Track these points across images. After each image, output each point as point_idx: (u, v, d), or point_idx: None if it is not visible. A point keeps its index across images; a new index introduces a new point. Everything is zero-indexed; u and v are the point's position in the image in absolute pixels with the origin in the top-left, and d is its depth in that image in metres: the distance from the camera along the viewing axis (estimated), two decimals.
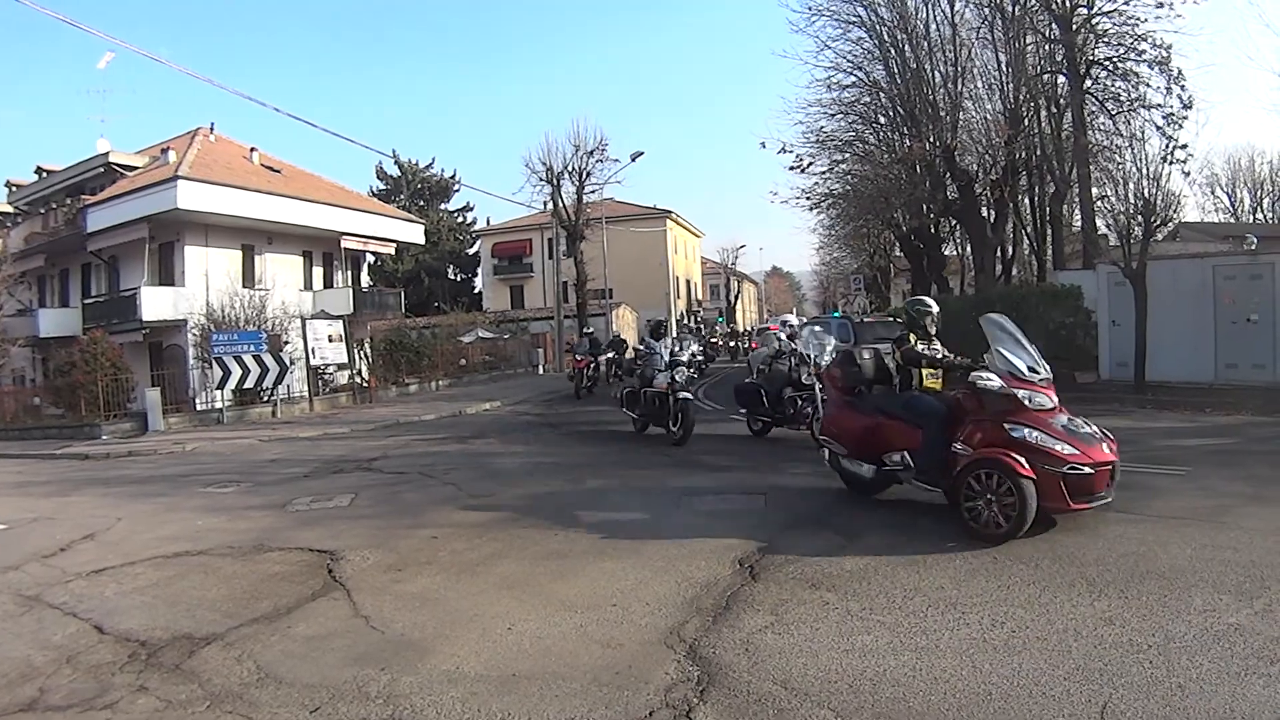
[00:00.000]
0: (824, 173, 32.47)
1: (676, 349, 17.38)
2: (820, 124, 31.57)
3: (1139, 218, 19.94)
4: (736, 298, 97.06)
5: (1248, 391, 17.70)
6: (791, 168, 30.67)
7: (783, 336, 16.81)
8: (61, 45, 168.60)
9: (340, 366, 31.63)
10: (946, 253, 40.27)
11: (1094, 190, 25.51)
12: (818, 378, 13.85)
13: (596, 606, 6.54)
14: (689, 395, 16.19)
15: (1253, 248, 22.07)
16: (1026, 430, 7.82)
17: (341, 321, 31.82)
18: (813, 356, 14.44)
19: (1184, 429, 15.23)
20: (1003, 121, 26.55)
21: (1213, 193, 60.51)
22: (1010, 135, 26.14)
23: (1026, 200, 32.20)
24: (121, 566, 8.62)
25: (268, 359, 26.53)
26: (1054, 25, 26.40)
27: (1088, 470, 7.63)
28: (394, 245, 46.56)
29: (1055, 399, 8.10)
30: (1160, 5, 24.02)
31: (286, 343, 29.23)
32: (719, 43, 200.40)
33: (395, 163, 75.57)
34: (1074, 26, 25.80)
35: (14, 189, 43.06)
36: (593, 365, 30.20)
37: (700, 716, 4.65)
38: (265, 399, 27.45)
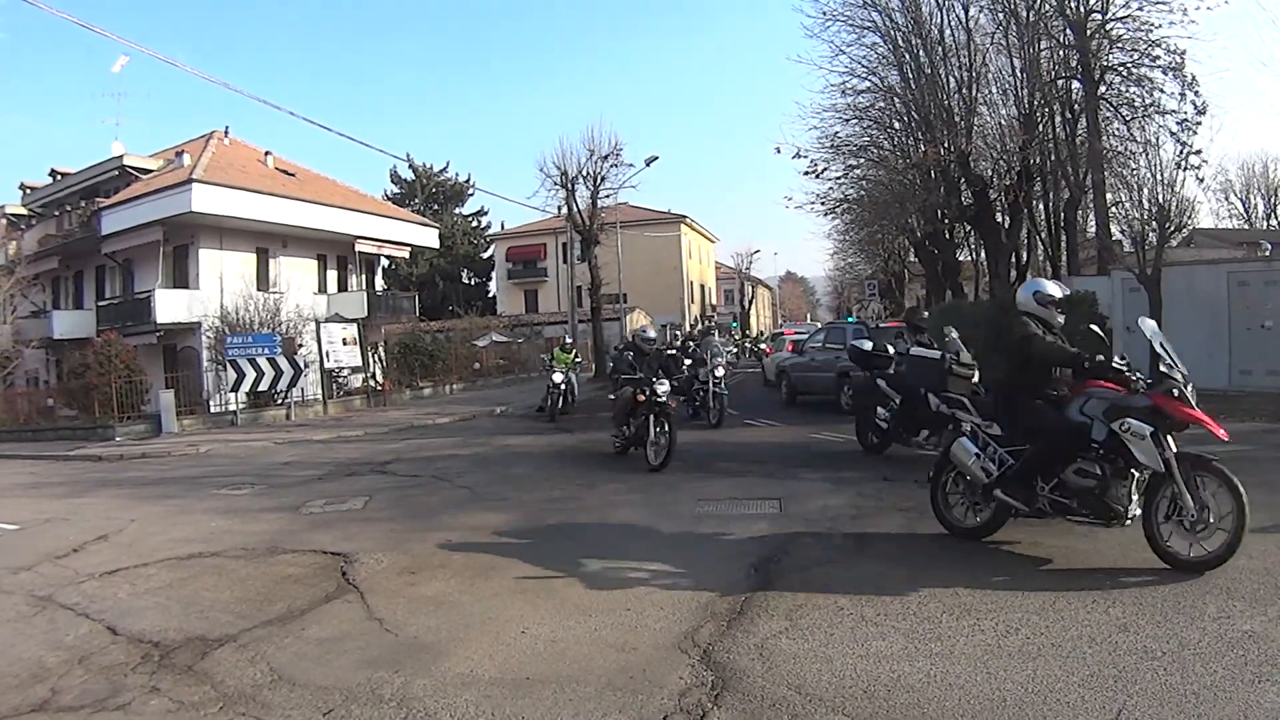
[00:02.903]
0: (838, 178, 32.36)
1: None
2: (834, 129, 31.46)
3: (1153, 224, 19.91)
4: (751, 303, 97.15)
5: (1262, 398, 17.61)
6: (806, 173, 30.63)
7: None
8: (76, 48, 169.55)
9: (354, 370, 31.78)
10: (961, 258, 40.18)
11: (1108, 196, 25.43)
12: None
13: (610, 610, 6.54)
14: None
15: (1267, 254, 22.01)
16: None
17: (356, 325, 32.01)
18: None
19: (1198, 436, 15.13)
20: (1017, 127, 26.47)
21: (1227, 199, 60.42)
22: (1025, 140, 26.05)
23: (1041, 206, 32.07)
24: (135, 568, 8.66)
25: (282, 362, 26.63)
26: (1068, 31, 26.34)
27: None
28: (408, 249, 46.76)
29: None
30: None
31: (301, 346, 29.34)
32: (733, 48, 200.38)
33: (410, 167, 75.99)
34: (1088, 32, 25.76)
35: (28, 191, 43.24)
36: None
37: None
38: (279, 402, 27.56)
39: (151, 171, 36.96)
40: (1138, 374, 7.73)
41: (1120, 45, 26.10)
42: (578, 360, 26.44)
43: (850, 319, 32.27)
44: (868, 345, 15.11)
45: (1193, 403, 7.45)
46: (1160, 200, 19.84)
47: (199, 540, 9.87)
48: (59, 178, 41.52)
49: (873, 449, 13.96)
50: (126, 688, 5.46)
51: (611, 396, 15.53)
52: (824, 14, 29.93)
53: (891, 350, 14.78)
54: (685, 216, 75.45)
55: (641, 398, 13.72)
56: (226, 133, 39.86)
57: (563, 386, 22.79)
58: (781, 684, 5.02)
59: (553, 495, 11.86)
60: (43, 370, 38.52)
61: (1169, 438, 7.32)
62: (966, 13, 27.70)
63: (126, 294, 35.63)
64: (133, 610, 7.21)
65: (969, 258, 41.67)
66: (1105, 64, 26.30)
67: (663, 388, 13.68)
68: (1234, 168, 59.57)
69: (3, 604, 7.66)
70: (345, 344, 30.31)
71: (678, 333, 44.04)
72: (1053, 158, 28.26)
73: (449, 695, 5.10)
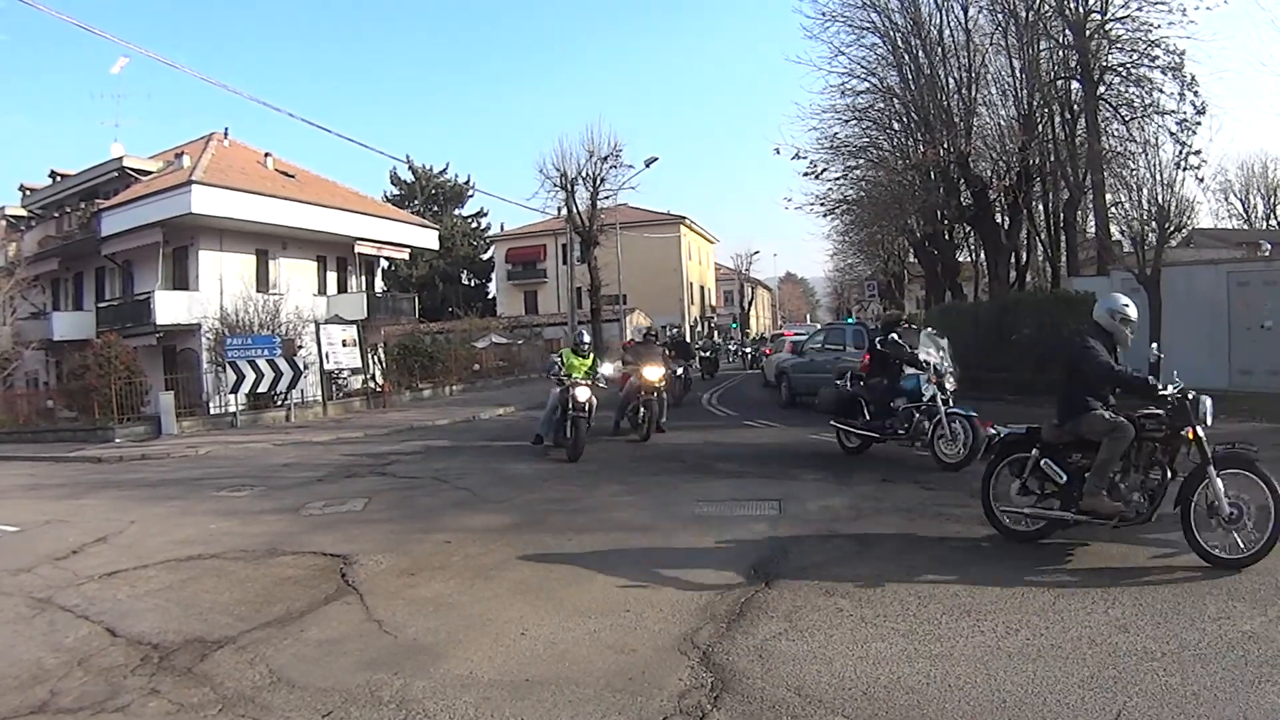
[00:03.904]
0: (838, 179, 32.45)
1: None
2: (834, 130, 31.53)
3: (1153, 224, 19.91)
4: (750, 304, 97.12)
5: (1262, 398, 17.58)
6: (805, 174, 30.77)
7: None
8: (76, 49, 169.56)
9: (354, 371, 31.72)
10: (960, 259, 40.23)
11: (1108, 196, 25.44)
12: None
13: (610, 612, 6.55)
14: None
15: (1267, 253, 22.01)
16: None
17: (355, 326, 31.93)
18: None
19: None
20: (1017, 127, 26.50)
21: (1226, 199, 60.47)
22: (1024, 141, 26.08)
23: (1040, 206, 32.12)
24: (134, 569, 8.65)
25: (281, 363, 26.58)
26: (1067, 31, 26.37)
27: None
28: (408, 250, 46.80)
29: None
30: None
31: (300, 347, 29.29)
32: (733, 49, 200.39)
33: (409, 168, 76.07)
34: (1087, 32, 25.79)
35: (28, 193, 43.27)
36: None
37: None
38: (279, 403, 27.52)
39: (151, 173, 37.02)
40: None
41: (1119, 45, 26.13)
42: (600, 372, 17.62)
43: (850, 320, 32.23)
44: None
45: None
46: (1160, 200, 19.84)
47: (198, 542, 9.86)
48: (59, 179, 41.57)
49: None
50: (126, 689, 5.46)
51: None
52: (823, 15, 30.08)
53: None
54: (685, 217, 75.52)
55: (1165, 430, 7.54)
56: (226, 134, 39.93)
57: (587, 408, 15.65)
58: (781, 685, 5.02)
59: (552, 496, 11.85)
60: (42, 372, 38.56)
61: None
62: (966, 13, 27.76)
63: (126, 295, 35.68)
64: (132, 612, 7.20)
65: (968, 258, 41.73)
66: (1104, 64, 26.34)
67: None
68: (1233, 168, 59.66)
69: (2, 605, 7.65)
70: (345, 345, 30.25)
71: (672, 331, 43.85)
72: (1052, 158, 28.29)
73: (448, 697, 5.11)
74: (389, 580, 7.79)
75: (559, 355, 17.44)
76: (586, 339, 17.68)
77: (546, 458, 15.43)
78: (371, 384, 32.50)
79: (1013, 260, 31.15)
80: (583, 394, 15.52)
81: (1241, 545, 6.89)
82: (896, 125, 31.50)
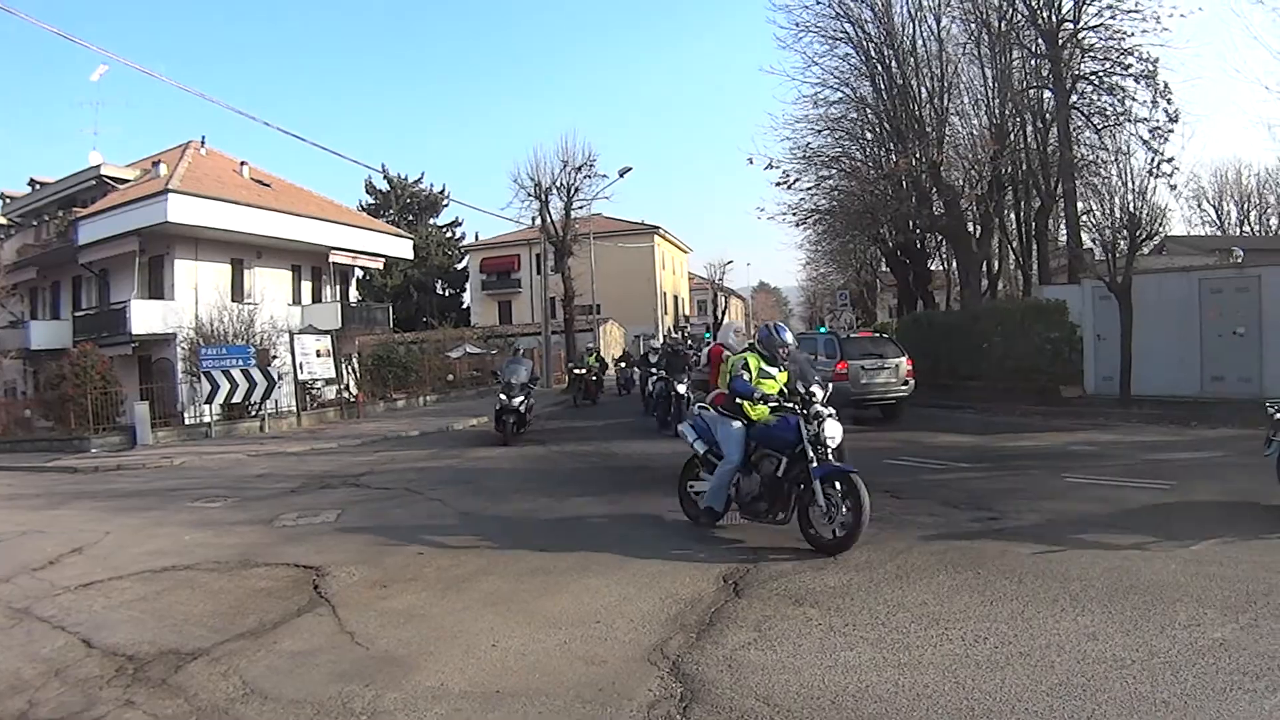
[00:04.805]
0: (811, 189, 32.48)
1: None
2: (807, 140, 31.67)
3: (1124, 232, 20.06)
4: (724, 313, 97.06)
5: (1233, 405, 17.72)
6: (778, 184, 30.74)
7: None
8: (55, 57, 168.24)
9: (328, 381, 31.55)
10: (932, 268, 40.41)
11: (1079, 205, 25.64)
12: None
13: (580, 623, 6.57)
14: None
15: (1239, 260, 22.15)
16: None
17: (330, 336, 31.76)
18: None
19: (1169, 443, 15.29)
20: (989, 137, 26.68)
21: (1199, 206, 61.06)
22: (996, 150, 26.26)
23: (1012, 215, 32.37)
24: (109, 580, 8.61)
25: (256, 373, 26.45)
26: (1040, 40, 26.56)
27: None
28: (382, 260, 46.51)
29: None
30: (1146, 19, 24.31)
31: (275, 357, 29.13)
32: (707, 59, 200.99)
33: (384, 178, 75.90)
34: (1060, 42, 25.97)
35: (7, 200, 43.02)
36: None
37: None
38: (253, 413, 27.36)
39: (128, 181, 36.77)
40: None
41: (1092, 54, 26.36)
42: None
43: (822, 329, 32.31)
44: None
45: None
46: (1131, 208, 19.99)
47: (173, 553, 9.82)
48: (37, 187, 41.26)
49: None
50: (101, 700, 5.45)
51: None
52: (797, 25, 30.17)
53: None
54: (659, 227, 75.35)
55: None
56: (203, 143, 39.62)
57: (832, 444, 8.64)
58: (749, 695, 5.06)
59: (524, 507, 11.87)
60: (20, 381, 38.31)
61: None
62: (939, 23, 27.99)
63: (102, 304, 35.42)
64: (108, 623, 7.18)
65: (940, 267, 41.90)
66: (1077, 73, 26.56)
67: None
68: (1206, 174, 60.23)
69: None
70: (319, 355, 30.09)
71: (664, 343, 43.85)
72: (1024, 167, 28.53)
73: (419, 709, 5.13)
74: (361, 592, 7.79)
75: (741, 359, 9.57)
76: (790, 339, 9.78)
77: (519, 468, 14.58)
78: (346, 394, 32.37)
79: (984, 269, 31.32)
80: (837, 430, 8.72)
81: None
82: (869, 135, 31.69)
